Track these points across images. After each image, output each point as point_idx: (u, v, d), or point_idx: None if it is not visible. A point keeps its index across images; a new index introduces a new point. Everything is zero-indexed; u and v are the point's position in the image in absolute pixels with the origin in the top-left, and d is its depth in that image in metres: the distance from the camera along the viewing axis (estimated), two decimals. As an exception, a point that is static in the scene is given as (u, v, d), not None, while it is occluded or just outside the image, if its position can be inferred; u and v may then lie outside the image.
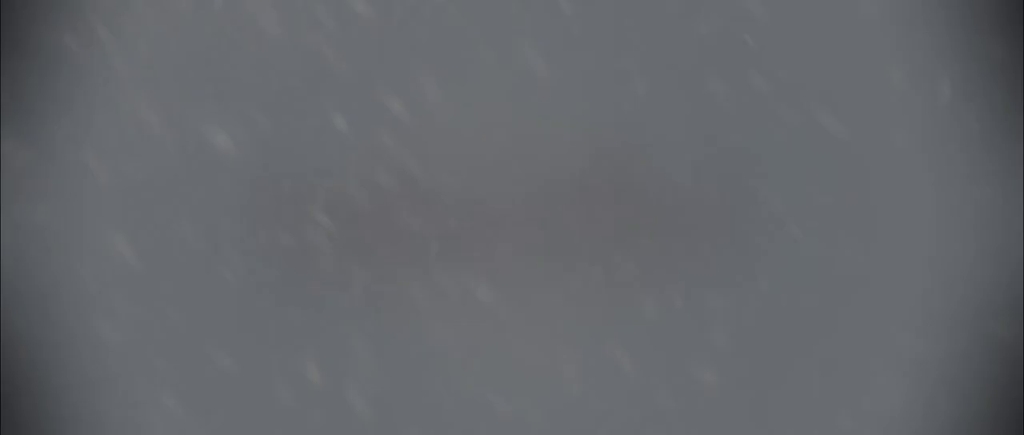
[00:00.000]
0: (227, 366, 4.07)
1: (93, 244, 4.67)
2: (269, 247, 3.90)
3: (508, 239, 3.77)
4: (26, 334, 4.59)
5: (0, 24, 4.57)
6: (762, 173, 3.81)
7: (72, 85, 4.67)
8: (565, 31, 3.89)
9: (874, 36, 4.79)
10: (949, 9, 4.76)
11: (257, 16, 4.68)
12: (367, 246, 3.88)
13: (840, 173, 3.83)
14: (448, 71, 4.14)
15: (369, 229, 3.85)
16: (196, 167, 4.02)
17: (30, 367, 4.58)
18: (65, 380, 4.63)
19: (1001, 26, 4.66)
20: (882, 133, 4.60)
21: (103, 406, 4.65)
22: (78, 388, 4.64)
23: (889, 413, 4.74)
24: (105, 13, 4.72)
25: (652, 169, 3.73)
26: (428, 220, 3.78)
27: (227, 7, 4.70)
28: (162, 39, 4.70)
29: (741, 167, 3.76)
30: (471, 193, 3.80)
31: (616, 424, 3.69)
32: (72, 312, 4.64)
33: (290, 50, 4.81)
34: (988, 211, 4.82)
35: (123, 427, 4.63)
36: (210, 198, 4.04)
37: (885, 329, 4.60)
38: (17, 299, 4.58)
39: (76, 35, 4.65)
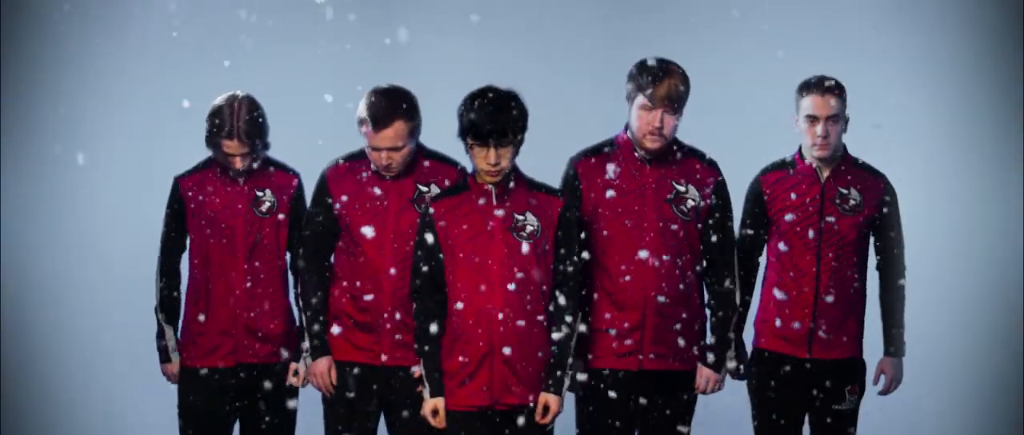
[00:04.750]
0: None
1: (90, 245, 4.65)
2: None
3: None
4: (25, 334, 4.59)
5: (0, 24, 4.59)
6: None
7: (71, 86, 4.65)
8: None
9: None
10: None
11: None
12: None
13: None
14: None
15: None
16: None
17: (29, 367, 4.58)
18: (63, 379, 4.62)
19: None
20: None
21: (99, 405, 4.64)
22: (74, 387, 4.63)
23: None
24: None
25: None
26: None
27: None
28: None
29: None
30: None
31: None
32: (69, 312, 4.62)
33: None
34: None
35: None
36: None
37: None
38: (16, 299, 4.59)
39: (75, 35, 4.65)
